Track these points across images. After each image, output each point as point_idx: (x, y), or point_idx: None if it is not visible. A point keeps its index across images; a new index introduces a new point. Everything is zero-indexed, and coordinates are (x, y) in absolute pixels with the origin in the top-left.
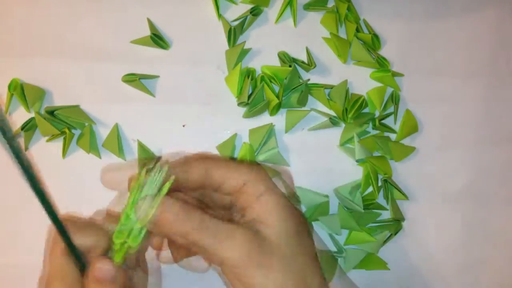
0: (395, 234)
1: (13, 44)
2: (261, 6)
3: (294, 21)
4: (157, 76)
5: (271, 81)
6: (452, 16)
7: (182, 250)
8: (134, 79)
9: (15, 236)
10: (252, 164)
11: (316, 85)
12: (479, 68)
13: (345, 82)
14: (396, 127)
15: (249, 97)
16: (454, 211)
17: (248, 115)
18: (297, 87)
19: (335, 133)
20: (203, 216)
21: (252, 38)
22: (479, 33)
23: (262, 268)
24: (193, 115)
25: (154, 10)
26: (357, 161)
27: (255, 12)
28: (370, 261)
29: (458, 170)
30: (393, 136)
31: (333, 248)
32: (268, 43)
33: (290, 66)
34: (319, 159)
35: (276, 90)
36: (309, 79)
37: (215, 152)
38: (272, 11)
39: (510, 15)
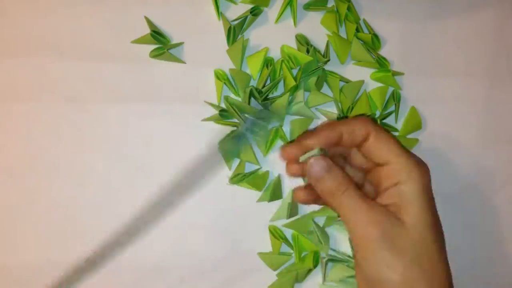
0: None
1: (13, 44)
2: (261, 6)
3: (294, 21)
4: (182, 43)
5: (288, 62)
6: (452, 16)
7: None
8: (162, 52)
9: (15, 236)
10: (407, 151)
11: (332, 73)
12: (479, 68)
13: (362, 82)
14: (398, 126)
15: (264, 85)
16: (454, 211)
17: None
18: (314, 70)
19: None
20: (346, 181)
21: (252, 38)
22: (479, 33)
23: (394, 251)
24: (195, 115)
25: (154, 10)
26: None
27: (255, 12)
28: None
29: (458, 169)
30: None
31: (348, 251)
32: (268, 43)
33: (308, 50)
34: None
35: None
36: (328, 60)
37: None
38: (272, 11)
39: (510, 15)
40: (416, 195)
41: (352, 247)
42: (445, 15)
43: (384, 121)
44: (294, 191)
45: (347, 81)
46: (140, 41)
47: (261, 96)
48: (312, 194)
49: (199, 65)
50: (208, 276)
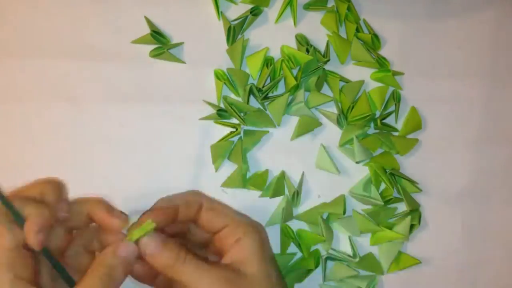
0: (419, 222)
1: (13, 44)
2: (261, 6)
3: (294, 21)
4: (182, 43)
5: (288, 62)
6: (452, 16)
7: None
8: (162, 52)
9: None
10: (238, 212)
11: (332, 73)
12: (479, 68)
13: (362, 82)
14: (398, 126)
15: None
16: (454, 211)
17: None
18: (314, 70)
19: (335, 135)
20: (183, 251)
21: (252, 38)
22: (479, 33)
23: None
24: (194, 115)
25: (154, 10)
26: (356, 162)
27: (255, 12)
28: (402, 260)
29: (458, 170)
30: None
31: (348, 251)
32: (268, 43)
33: (307, 50)
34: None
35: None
36: (328, 60)
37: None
38: (272, 11)
39: (510, 15)
40: (256, 248)
41: (351, 247)
42: (445, 15)
43: (384, 121)
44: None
45: (347, 81)
46: (140, 41)
47: (261, 94)
48: (150, 269)
49: (199, 65)
50: None
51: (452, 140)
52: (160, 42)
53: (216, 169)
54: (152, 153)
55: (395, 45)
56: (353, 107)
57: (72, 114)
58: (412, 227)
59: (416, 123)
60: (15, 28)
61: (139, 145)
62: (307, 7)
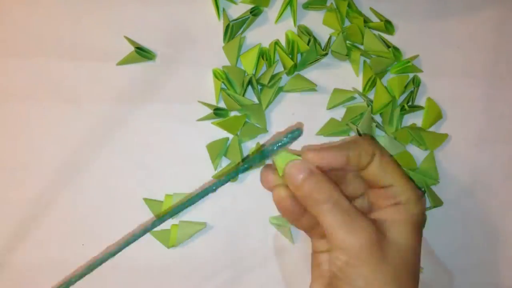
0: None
1: (13, 44)
2: (261, 6)
3: (294, 21)
4: (154, 56)
5: (288, 47)
6: (452, 16)
7: (305, 222)
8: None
9: (14, 235)
10: (406, 175)
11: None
12: (479, 68)
13: (392, 59)
14: (416, 117)
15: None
16: (454, 211)
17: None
18: (313, 62)
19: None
20: (337, 191)
21: (252, 38)
22: (479, 33)
23: (373, 268)
24: (194, 115)
25: (154, 10)
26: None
27: (255, 12)
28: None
29: (458, 170)
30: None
31: None
32: (268, 43)
33: (309, 40)
34: None
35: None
36: (326, 53)
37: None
38: (272, 11)
39: (510, 15)
40: (410, 217)
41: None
42: (445, 15)
43: (406, 117)
44: (274, 193)
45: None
46: (125, 61)
47: (259, 82)
48: (295, 203)
49: (199, 65)
50: (209, 275)
51: (452, 140)
52: (146, 58)
53: (215, 168)
54: (151, 153)
55: (395, 45)
56: (375, 83)
57: (72, 114)
58: None
59: (436, 113)
60: (15, 28)
61: (139, 145)
62: (306, 6)
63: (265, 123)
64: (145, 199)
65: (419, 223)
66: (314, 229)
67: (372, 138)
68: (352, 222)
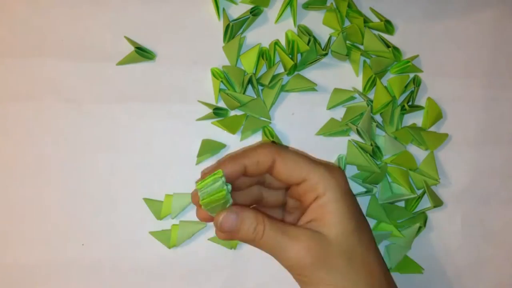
0: (425, 224)
1: (13, 44)
2: (261, 6)
3: (294, 21)
4: (154, 56)
5: (288, 47)
6: (452, 16)
7: None
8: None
9: (14, 235)
10: (317, 163)
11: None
12: (479, 68)
13: (392, 59)
14: (416, 116)
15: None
16: (454, 211)
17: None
18: (313, 62)
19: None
20: (261, 223)
21: (252, 38)
22: (479, 33)
23: (327, 268)
24: (194, 114)
25: (154, 10)
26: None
27: (255, 12)
28: (406, 265)
29: (458, 170)
30: (418, 122)
31: None
32: (268, 43)
33: (309, 40)
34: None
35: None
36: (326, 53)
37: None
38: (272, 11)
39: (510, 15)
40: (336, 204)
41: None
42: (445, 15)
43: (406, 117)
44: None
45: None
46: (125, 61)
47: (259, 82)
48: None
49: (199, 65)
50: (208, 276)
51: (452, 140)
52: (146, 58)
53: (197, 163)
54: (151, 152)
55: (395, 45)
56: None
57: (72, 114)
58: (418, 229)
59: (436, 113)
60: (15, 28)
61: (139, 145)
62: (306, 6)
63: (268, 114)
64: (145, 199)
65: (346, 202)
66: None
67: (272, 143)
68: (292, 243)
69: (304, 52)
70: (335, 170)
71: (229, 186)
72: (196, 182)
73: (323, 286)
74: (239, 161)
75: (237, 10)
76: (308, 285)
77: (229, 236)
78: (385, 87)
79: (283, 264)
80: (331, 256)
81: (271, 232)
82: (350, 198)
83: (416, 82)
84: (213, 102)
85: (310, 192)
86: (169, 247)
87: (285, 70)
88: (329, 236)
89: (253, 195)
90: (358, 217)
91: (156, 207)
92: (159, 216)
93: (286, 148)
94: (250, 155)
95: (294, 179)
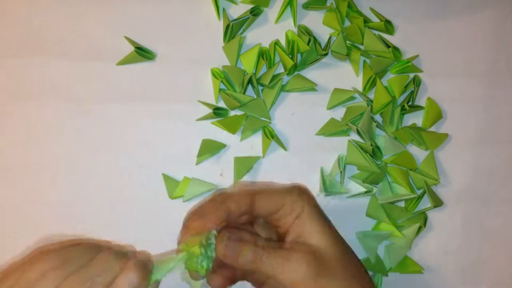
0: (425, 224)
1: (13, 44)
2: (261, 6)
3: (294, 21)
4: (154, 56)
5: (288, 47)
6: (452, 16)
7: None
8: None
9: (14, 235)
10: (290, 187)
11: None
12: (479, 68)
13: (392, 59)
14: (416, 116)
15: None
16: (454, 211)
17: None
18: (313, 62)
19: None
20: (260, 245)
21: (252, 38)
22: (479, 33)
23: (327, 275)
24: (194, 114)
25: (154, 10)
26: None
27: (255, 12)
28: (406, 265)
29: (458, 170)
30: (418, 122)
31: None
32: (268, 43)
33: (309, 40)
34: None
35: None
36: (326, 53)
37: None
38: (272, 11)
39: (510, 15)
40: (316, 216)
41: None
42: (445, 15)
43: (406, 117)
44: (211, 282)
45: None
46: (125, 61)
47: (259, 82)
48: (227, 273)
49: (199, 65)
50: None
51: (452, 140)
52: (146, 58)
53: (197, 163)
54: (151, 152)
55: (394, 45)
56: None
57: (72, 114)
58: (418, 229)
59: (436, 113)
60: (15, 28)
61: (139, 144)
62: (306, 6)
63: (268, 114)
64: (164, 175)
65: (320, 216)
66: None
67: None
68: (290, 260)
69: (304, 52)
70: (303, 189)
71: (214, 232)
72: (179, 244)
73: None
74: (222, 208)
75: (237, 10)
76: None
77: (231, 263)
78: (385, 87)
79: (284, 282)
80: (328, 264)
81: (271, 250)
82: (321, 210)
83: (416, 82)
84: (213, 102)
85: (289, 215)
86: (172, 198)
87: (285, 70)
88: (319, 246)
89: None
90: (333, 226)
91: (172, 185)
92: (172, 195)
93: (256, 186)
94: (231, 199)
95: (274, 208)
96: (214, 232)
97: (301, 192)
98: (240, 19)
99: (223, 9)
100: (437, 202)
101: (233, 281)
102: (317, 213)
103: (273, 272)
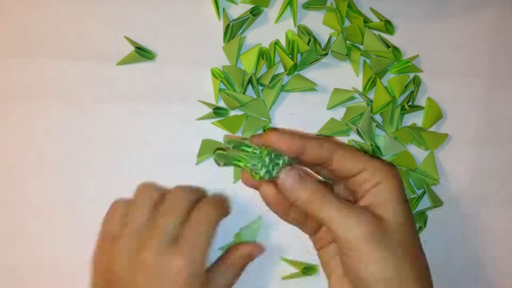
0: (425, 224)
1: (13, 44)
2: (261, 6)
3: (294, 21)
4: (154, 56)
5: (288, 47)
6: (452, 16)
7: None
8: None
9: (15, 235)
10: (373, 157)
11: (355, 46)
12: (479, 68)
13: (392, 59)
14: (416, 116)
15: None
16: (454, 211)
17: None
18: (313, 62)
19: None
20: (325, 189)
21: (252, 38)
22: (479, 33)
23: (383, 250)
24: (194, 114)
25: (154, 10)
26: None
27: (255, 12)
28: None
29: (458, 170)
30: (418, 122)
31: None
32: (268, 43)
33: (309, 40)
34: None
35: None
36: (326, 53)
37: None
38: (272, 11)
39: (510, 15)
40: (394, 193)
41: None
42: (445, 15)
43: (406, 117)
44: (261, 190)
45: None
46: (125, 60)
47: (259, 82)
48: (284, 200)
49: (199, 65)
50: None
51: (452, 140)
52: (146, 58)
53: (197, 163)
54: (151, 152)
55: (395, 45)
56: (374, 84)
57: (72, 114)
58: (418, 229)
59: (436, 113)
60: (15, 28)
61: (139, 144)
62: (306, 6)
63: (268, 114)
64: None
65: (403, 195)
66: (304, 224)
67: (332, 137)
68: (351, 214)
69: (304, 52)
70: (390, 164)
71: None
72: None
73: (376, 267)
74: (302, 141)
75: (237, 10)
76: (359, 264)
77: (289, 196)
78: (385, 87)
79: (336, 238)
80: (389, 240)
81: (331, 196)
82: (404, 192)
83: (416, 82)
84: (213, 102)
85: (368, 181)
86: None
87: (285, 70)
88: (388, 222)
89: None
90: (410, 209)
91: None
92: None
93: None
94: (312, 140)
95: (356, 167)
96: (287, 157)
97: (384, 162)
98: (240, 19)
99: (223, 9)
100: (437, 202)
101: (284, 213)
102: (397, 188)
103: (329, 222)
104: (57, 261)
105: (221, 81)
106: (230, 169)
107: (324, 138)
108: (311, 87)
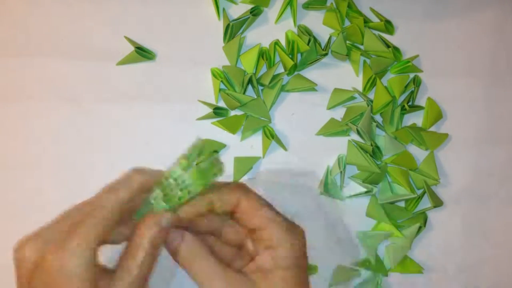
0: (425, 224)
1: (13, 44)
2: (261, 6)
3: (294, 21)
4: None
5: (288, 47)
6: (452, 16)
7: None
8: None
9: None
10: (280, 216)
11: (355, 46)
12: (479, 67)
13: (392, 59)
14: (416, 115)
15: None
16: (454, 211)
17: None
18: (313, 62)
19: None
20: (203, 247)
21: (252, 37)
22: (479, 33)
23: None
24: (194, 114)
25: (154, 10)
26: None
27: (255, 12)
28: (406, 265)
29: (458, 170)
30: (418, 122)
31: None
32: (268, 43)
33: (309, 40)
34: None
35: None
36: (326, 53)
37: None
38: (272, 11)
39: (510, 15)
40: (285, 262)
41: None
42: (445, 15)
43: (406, 117)
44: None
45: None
46: (125, 60)
47: (259, 82)
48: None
49: (199, 65)
50: None
51: (452, 140)
52: (146, 58)
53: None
54: (151, 152)
55: (395, 45)
56: (374, 84)
57: (72, 114)
58: (418, 229)
59: (436, 113)
60: (15, 28)
61: (139, 144)
62: (306, 6)
63: (268, 114)
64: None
65: (296, 263)
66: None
67: (238, 184)
68: (224, 279)
69: (304, 52)
70: (294, 227)
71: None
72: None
73: None
74: (206, 197)
75: (237, 10)
76: None
77: (172, 252)
78: (385, 87)
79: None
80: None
81: (211, 259)
82: (302, 258)
83: (416, 82)
84: (213, 102)
85: (264, 241)
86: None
87: (285, 70)
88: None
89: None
90: (298, 276)
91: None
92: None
93: (252, 192)
94: (218, 192)
95: (254, 223)
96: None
97: (287, 223)
98: (240, 19)
99: (223, 9)
100: (437, 202)
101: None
102: (289, 255)
103: (201, 281)
104: None
105: (221, 81)
106: (230, 169)
107: (228, 187)
108: (311, 87)
